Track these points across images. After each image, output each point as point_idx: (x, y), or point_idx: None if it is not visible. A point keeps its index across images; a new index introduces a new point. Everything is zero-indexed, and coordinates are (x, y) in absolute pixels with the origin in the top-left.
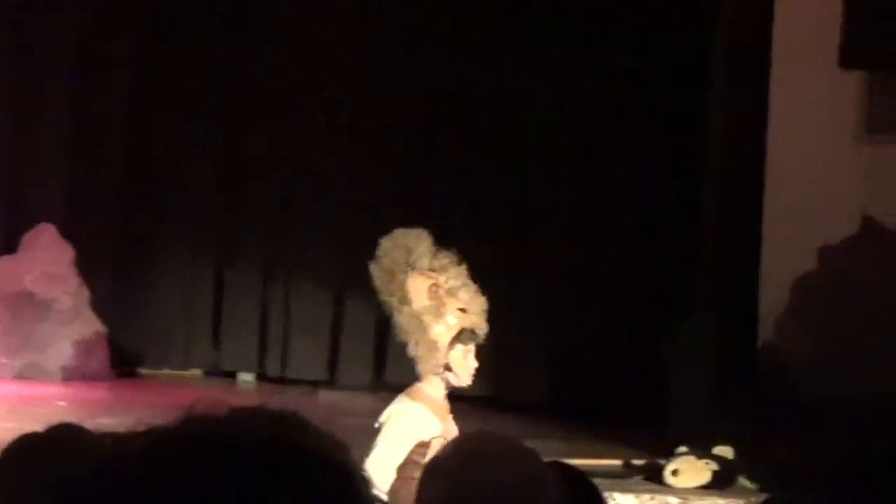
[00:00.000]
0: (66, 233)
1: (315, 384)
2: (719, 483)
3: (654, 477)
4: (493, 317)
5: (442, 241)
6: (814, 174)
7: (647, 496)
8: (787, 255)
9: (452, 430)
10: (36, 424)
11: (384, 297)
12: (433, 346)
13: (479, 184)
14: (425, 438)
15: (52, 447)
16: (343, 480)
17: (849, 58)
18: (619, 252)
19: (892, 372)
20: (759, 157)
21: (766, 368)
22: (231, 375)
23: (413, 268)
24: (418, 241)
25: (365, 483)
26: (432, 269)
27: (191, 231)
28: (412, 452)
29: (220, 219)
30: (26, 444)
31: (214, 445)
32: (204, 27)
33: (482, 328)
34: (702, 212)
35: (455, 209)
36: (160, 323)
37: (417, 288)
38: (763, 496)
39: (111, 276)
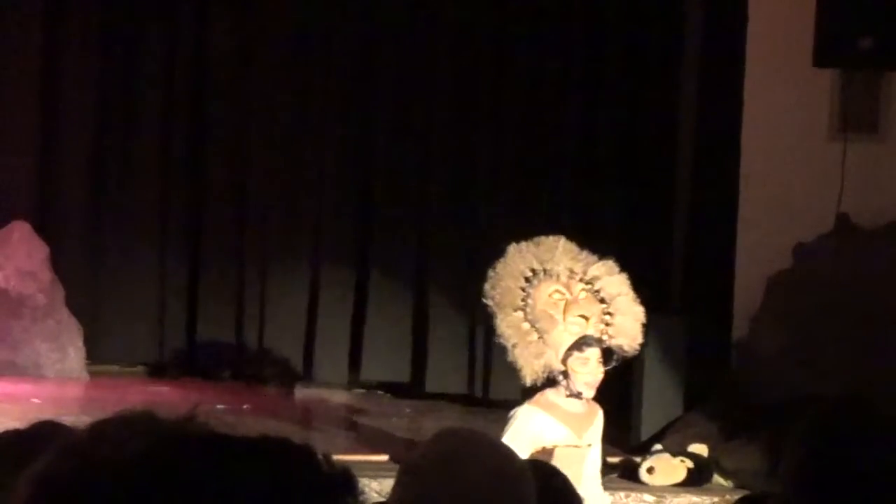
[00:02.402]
0: (41, 230)
1: (291, 382)
2: (694, 481)
3: (629, 475)
4: (469, 316)
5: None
6: (788, 172)
7: (622, 494)
8: (761, 253)
9: (591, 440)
10: (12, 422)
11: (486, 300)
12: (537, 353)
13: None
14: (547, 445)
15: (34, 444)
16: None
17: (822, 56)
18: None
19: (866, 370)
20: (733, 156)
21: (740, 367)
22: (206, 375)
23: (548, 275)
24: (549, 251)
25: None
26: (579, 277)
27: (166, 229)
28: (531, 457)
29: (193, 215)
30: (7, 442)
31: (212, 444)
32: (170, 27)
33: (626, 340)
34: (675, 210)
35: (427, 201)
36: (136, 321)
37: (538, 295)
38: (738, 494)
39: (86, 274)
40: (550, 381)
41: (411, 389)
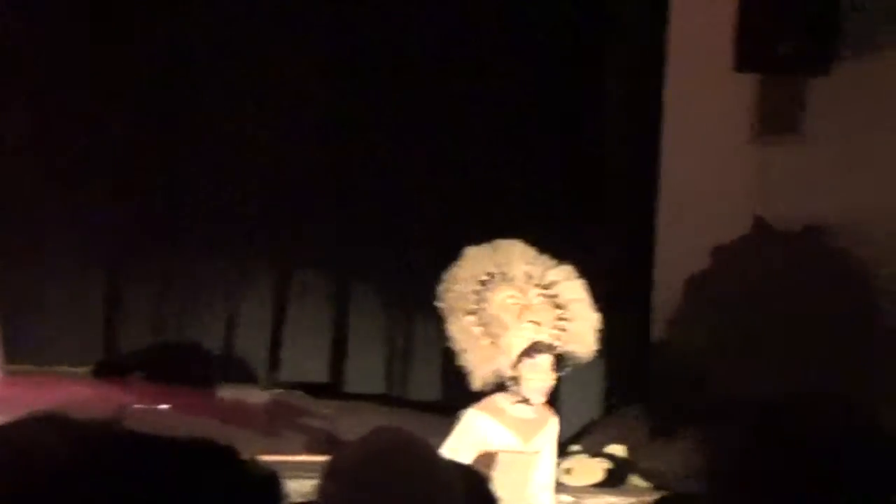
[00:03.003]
0: None
1: (211, 381)
2: (612, 481)
3: None
4: (389, 317)
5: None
6: (707, 175)
7: None
8: (680, 254)
9: (540, 447)
10: None
11: (438, 303)
12: (487, 357)
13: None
14: (491, 450)
15: None
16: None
17: (743, 61)
18: None
19: (782, 371)
20: (653, 158)
21: (659, 368)
22: (124, 374)
23: (504, 279)
24: (505, 255)
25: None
26: (535, 282)
27: (84, 226)
28: (476, 462)
29: (111, 212)
30: None
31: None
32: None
33: (580, 346)
34: (596, 211)
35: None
36: (55, 319)
37: (493, 299)
38: (656, 495)
39: (4, 271)
40: (501, 386)
41: (330, 389)
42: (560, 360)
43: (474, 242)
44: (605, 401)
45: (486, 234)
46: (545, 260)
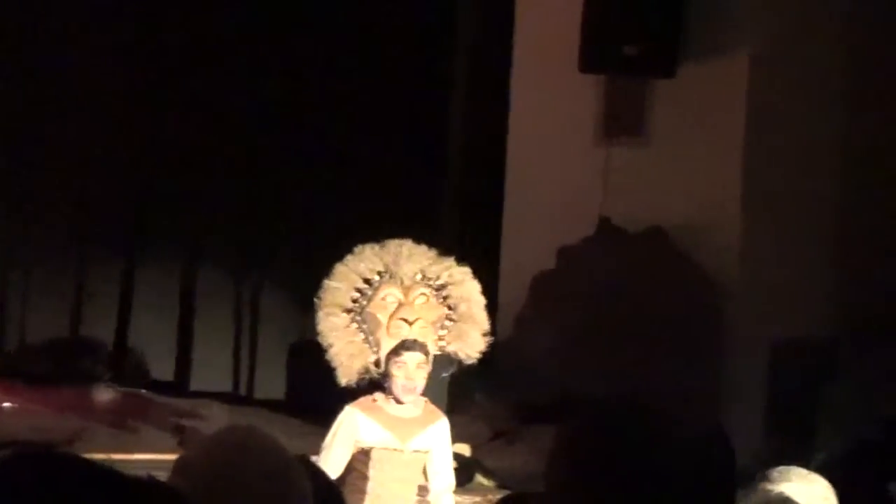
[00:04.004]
0: None
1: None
2: (458, 480)
3: None
4: (235, 316)
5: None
6: (553, 176)
7: None
8: (525, 254)
9: (422, 448)
10: None
11: (317, 299)
12: (354, 354)
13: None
14: (365, 446)
15: None
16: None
17: (588, 62)
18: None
19: (627, 370)
20: (499, 159)
21: (504, 367)
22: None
23: (390, 277)
24: (392, 254)
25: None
26: (426, 282)
27: None
28: (354, 460)
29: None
30: None
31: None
32: None
33: (463, 347)
34: (442, 211)
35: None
36: None
37: (374, 297)
38: (500, 493)
39: None
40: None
41: (176, 388)
42: (446, 361)
43: (314, 241)
44: (451, 399)
45: (326, 232)
46: (443, 260)
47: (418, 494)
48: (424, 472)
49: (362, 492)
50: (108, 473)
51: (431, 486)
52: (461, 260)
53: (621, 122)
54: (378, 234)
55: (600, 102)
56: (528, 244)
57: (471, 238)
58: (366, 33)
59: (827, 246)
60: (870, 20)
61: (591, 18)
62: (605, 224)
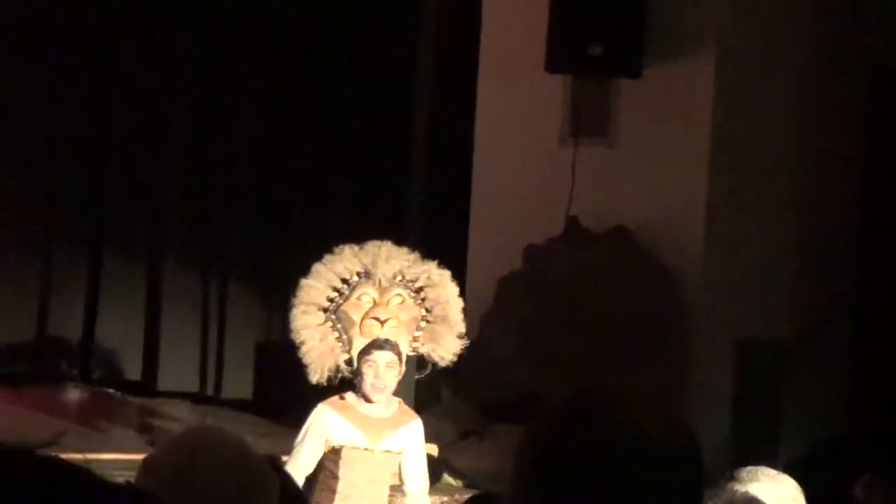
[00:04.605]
0: None
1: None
2: None
3: None
4: (201, 315)
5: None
6: (519, 176)
7: None
8: (492, 254)
9: (394, 448)
10: None
11: (293, 299)
12: (326, 352)
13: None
14: (335, 444)
15: None
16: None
17: (554, 62)
18: (326, 250)
19: (593, 370)
20: (465, 158)
21: (470, 366)
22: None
23: (368, 278)
24: (370, 255)
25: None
26: (404, 283)
27: None
28: (324, 459)
29: None
30: None
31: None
32: None
33: (436, 348)
34: (408, 211)
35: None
36: None
37: (350, 297)
38: (468, 493)
39: None
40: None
41: (144, 387)
42: (421, 362)
43: (281, 241)
44: (417, 399)
45: (293, 233)
46: (423, 262)
47: (390, 495)
48: (398, 473)
49: (333, 491)
50: (79, 474)
51: (407, 486)
52: (428, 259)
53: (587, 122)
54: (345, 234)
55: (566, 103)
56: (495, 244)
57: (437, 238)
58: (329, 33)
59: (790, 245)
60: (836, 20)
61: (557, 19)
62: (572, 224)
